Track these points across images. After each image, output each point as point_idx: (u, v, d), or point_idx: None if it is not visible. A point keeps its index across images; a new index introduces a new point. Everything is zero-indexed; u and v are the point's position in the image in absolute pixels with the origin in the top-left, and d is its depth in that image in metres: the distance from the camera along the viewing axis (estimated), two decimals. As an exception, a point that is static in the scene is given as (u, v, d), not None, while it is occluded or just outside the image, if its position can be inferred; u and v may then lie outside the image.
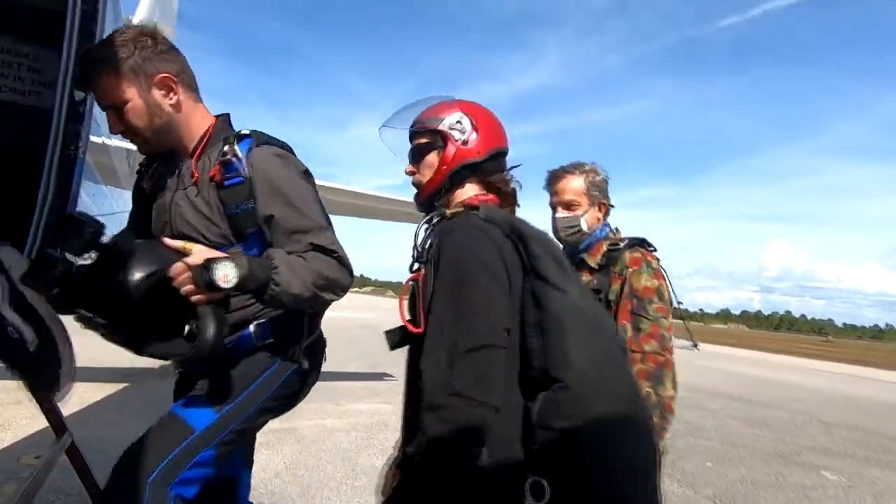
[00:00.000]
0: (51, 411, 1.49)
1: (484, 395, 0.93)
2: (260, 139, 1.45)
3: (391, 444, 1.35)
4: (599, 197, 1.91)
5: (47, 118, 1.57)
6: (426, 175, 1.28)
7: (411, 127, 1.32)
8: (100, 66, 1.34)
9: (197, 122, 1.47)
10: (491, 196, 1.27)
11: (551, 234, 1.43)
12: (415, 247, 1.21)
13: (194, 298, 1.22)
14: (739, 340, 46.71)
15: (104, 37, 1.44)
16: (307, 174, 1.51)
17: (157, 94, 1.39)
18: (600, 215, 1.93)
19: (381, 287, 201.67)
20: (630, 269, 1.77)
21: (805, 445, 6.27)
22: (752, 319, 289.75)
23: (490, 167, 1.27)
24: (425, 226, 1.22)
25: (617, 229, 1.96)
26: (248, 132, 1.46)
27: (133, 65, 1.34)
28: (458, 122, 1.25)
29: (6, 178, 1.78)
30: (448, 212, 1.21)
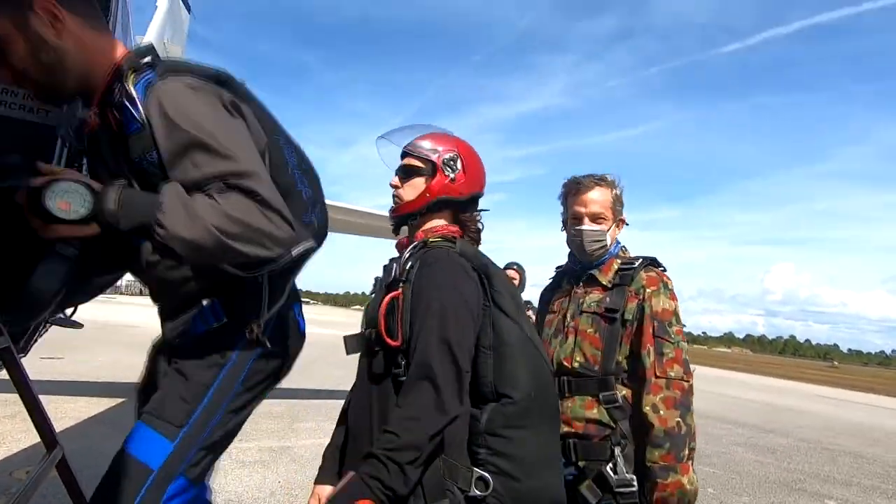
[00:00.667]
0: (43, 425, 1.47)
1: (457, 410, 1.14)
2: (166, 69, 1.17)
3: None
4: (621, 212, 1.84)
5: (53, 136, 1.60)
6: (408, 194, 1.38)
7: (409, 146, 1.41)
8: None
9: (103, 58, 1.18)
10: (455, 228, 1.39)
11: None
12: (397, 267, 1.33)
13: (41, 234, 1.03)
14: (744, 365, 46.17)
15: None
16: (235, 106, 1.22)
17: (37, 22, 1.09)
18: (619, 231, 1.86)
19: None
20: (648, 290, 1.70)
21: (809, 473, 6.16)
22: (756, 343, 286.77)
23: (465, 207, 1.41)
24: (410, 250, 1.33)
25: (625, 248, 1.89)
26: (152, 61, 1.19)
27: None
28: (453, 160, 1.36)
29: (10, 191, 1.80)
30: (430, 240, 1.32)
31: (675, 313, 1.70)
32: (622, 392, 1.67)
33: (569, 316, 1.79)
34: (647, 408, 1.59)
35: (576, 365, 1.70)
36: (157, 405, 1.22)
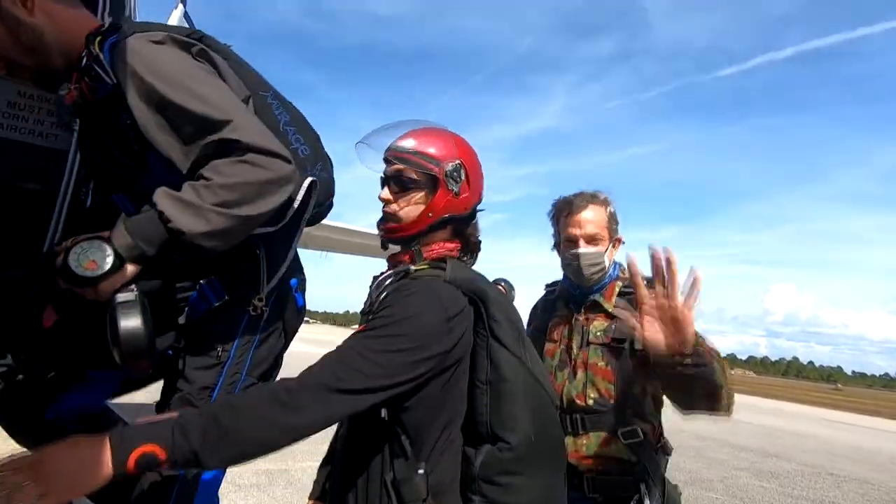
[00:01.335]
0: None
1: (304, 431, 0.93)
2: (132, 29, 1.14)
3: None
4: (616, 231, 1.70)
5: (62, 160, 1.64)
6: (405, 213, 1.16)
7: (401, 151, 1.17)
8: None
9: (80, 31, 1.17)
10: (455, 244, 1.21)
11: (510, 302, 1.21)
12: (369, 296, 1.16)
13: (97, 300, 1.03)
14: (747, 387, 45.65)
15: None
16: (204, 55, 1.18)
17: (6, 3, 1.08)
18: (616, 251, 1.72)
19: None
20: None
21: (814, 499, 6.06)
22: (759, 365, 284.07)
23: (467, 222, 1.22)
24: (391, 279, 1.14)
25: (623, 266, 1.76)
26: (118, 23, 1.16)
27: None
28: (457, 171, 1.16)
29: (17, 213, 1.83)
30: (413, 269, 1.14)
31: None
32: (640, 427, 1.55)
33: (574, 347, 1.67)
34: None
35: (590, 402, 1.59)
36: (167, 409, 1.22)
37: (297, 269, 1.38)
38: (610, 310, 1.63)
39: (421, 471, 1.01)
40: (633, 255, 1.28)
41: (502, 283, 4.51)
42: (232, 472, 4.35)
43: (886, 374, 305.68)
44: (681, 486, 1.69)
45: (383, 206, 1.19)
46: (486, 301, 1.09)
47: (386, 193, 1.18)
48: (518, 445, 1.04)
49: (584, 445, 1.57)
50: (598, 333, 1.63)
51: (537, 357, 1.18)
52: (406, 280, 1.12)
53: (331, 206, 1.46)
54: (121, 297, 1.04)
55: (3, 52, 1.13)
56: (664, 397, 1.59)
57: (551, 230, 1.77)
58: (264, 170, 1.05)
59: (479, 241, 1.26)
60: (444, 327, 1.01)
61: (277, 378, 1.19)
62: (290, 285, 1.35)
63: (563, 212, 1.69)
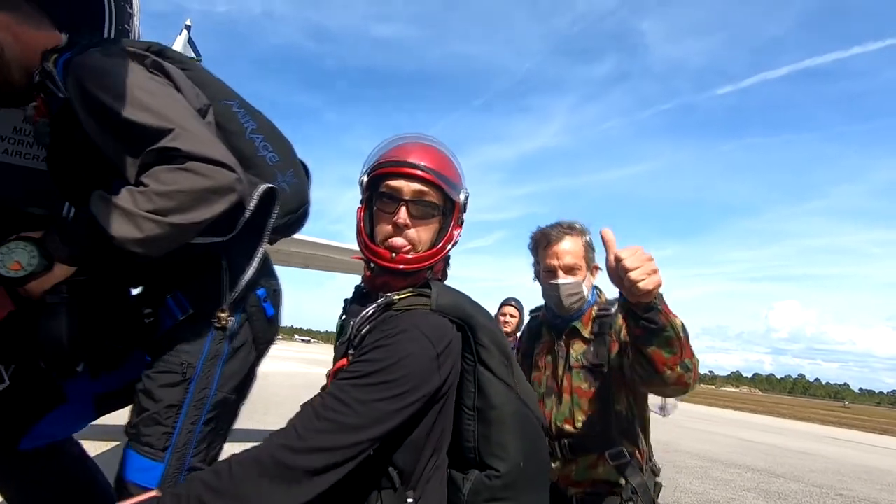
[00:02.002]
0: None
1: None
2: (86, 45, 1.15)
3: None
4: (594, 259, 1.74)
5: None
6: (423, 239, 1.07)
7: (428, 172, 1.05)
8: None
9: (39, 51, 1.17)
10: (438, 267, 1.15)
11: (498, 325, 1.16)
12: (352, 328, 1.06)
13: (28, 298, 1.05)
14: (753, 405, 45.10)
15: None
16: (157, 67, 1.17)
17: None
18: (593, 279, 1.76)
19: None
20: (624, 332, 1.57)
21: (823, 521, 5.92)
22: (765, 382, 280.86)
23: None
24: (372, 310, 1.05)
25: (601, 290, 1.80)
26: (74, 40, 1.17)
27: None
28: (468, 198, 1.12)
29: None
30: (396, 298, 1.05)
31: None
32: (627, 445, 1.58)
33: (559, 372, 1.70)
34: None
35: (579, 426, 1.61)
36: (136, 429, 1.18)
37: (266, 278, 1.33)
38: (586, 335, 1.67)
39: (410, 500, 0.98)
40: (608, 229, 1.32)
41: (513, 303, 4.41)
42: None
43: (894, 392, 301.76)
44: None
45: (396, 231, 1.05)
46: (474, 327, 1.04)
47: (404, 217, 1.05)
48: (507, 473, 1.01)
49: (573, 471, 1.60)
50: (579, 357, 1.66)
51: (524, 378, 1.14)
52: (390, 312, 1.04)
53: (306, 213, 1.43)
54: (49, 298, 1.03)
55: None
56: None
57: (532, 260, 1.81)
58: (204, 178, 1.03)
59: (448, 260, 1.20)
60: (433, 365, 0.97)
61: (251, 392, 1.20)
62: (258, 296, 1.30)
63: (542, 243, 1.72)
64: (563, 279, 1.66)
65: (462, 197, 1.11)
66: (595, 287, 1.77)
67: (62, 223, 1.05)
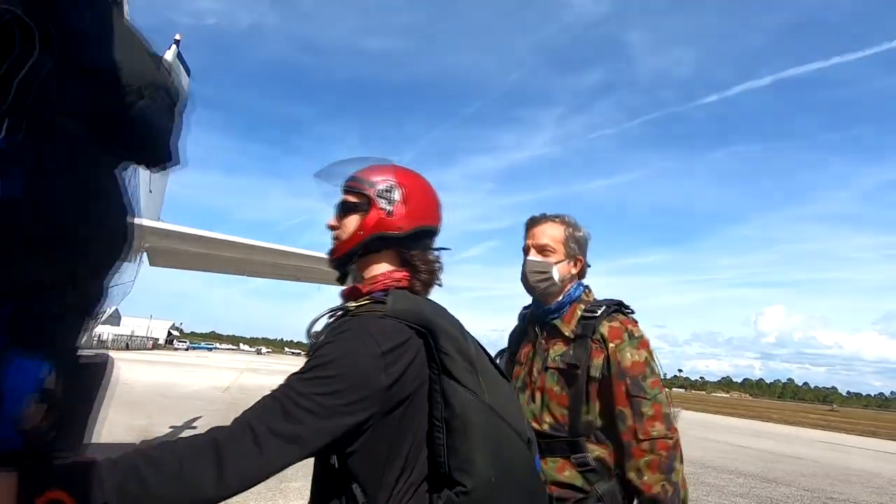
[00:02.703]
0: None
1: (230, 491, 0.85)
2: None
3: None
4: (577, 251, 1.72)
5: None
6: (342, 232, 1.19)
7: (344, 181, 1.22)
8: None
9: None
10: (403, 273, 1.16)
11: (466, 332, 1.15)
12: (309, 338, 1.09)
13: None
14: (743, 410, 45.37)
15: None
16: None
17: None
18: (575, 271, 1.73)
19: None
20: (612, 345, 1.57)
21: (815, 525, 5.96)
22: (755, 387, 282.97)
23: (411, 244, 1.17)
24: (326, 318, 1.11)
25: (588, 289, 1.76)
26: None
27: None
28: (388, 190, 1.16)
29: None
30: (352, 305, 1.08)
31: (648, 364, 1.56)
32: (595, 452, 1.56)
33: (535, 371, 1.69)
34: (632, 473, 1.50)
35: (545, 427, 1.61)
36: None
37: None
38: (567, 334, 1.64)
39: None
40: None
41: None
42: None
43: (881, 394, 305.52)
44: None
45: (332, 235, 1.21)
46: (435, 333, 1.03)
47: (332, 220, 1.22)
48: (474, 490, 0.95)
49: (541, 472, 1.58)
50: (556, 358, 1.64)
51: (499, 387, 1.10)
52: (344, 317, 1.07)
53: None
54: None
55: None
56: None
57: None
58: None
59: (435, 272, 1.19)
60: (378, 364, 0.95)
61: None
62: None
63: (526, 227, 1.77)
64: (531, 256, 1.70)
65: (375, 188, 1.16)
66: (581, 284, 1.75)
67: None
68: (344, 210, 1.20)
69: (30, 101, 0.80)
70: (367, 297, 1.10)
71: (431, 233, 1.22)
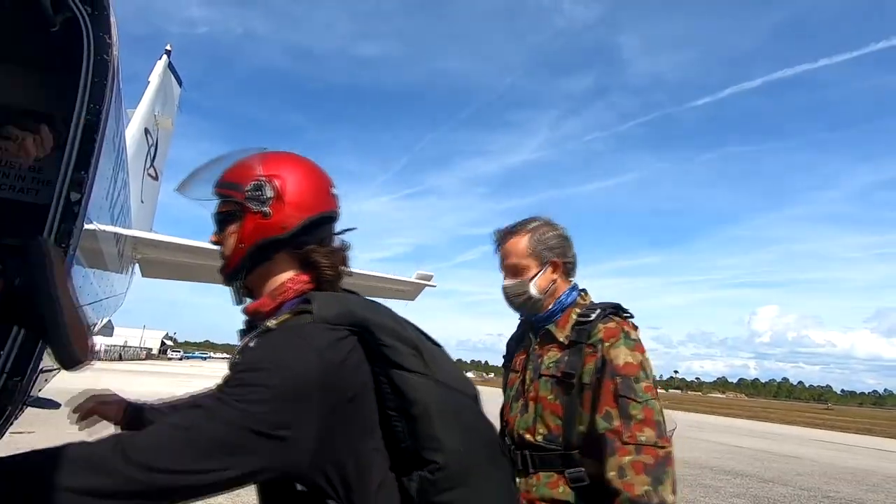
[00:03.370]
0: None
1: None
2: None
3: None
4: (551, 255, 1.61)
5: (44, 214, 1.65)
6: (227, 249, 1.08)
7: (213, 189, 1.09)
8: None
9: None
10: (306, 275, 1.07)
11: (398, 317, 1.09)
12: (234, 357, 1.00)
13: None
14: (739, 410, 45.53)
15: (105, 140, 1.50)
16: None
17: None
18: (556, 276, 1.62)
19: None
20: (606, 344, 1.47)
21: (812, 525, 5.97)
22: (750, 387, 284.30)
23: (304, 241, 1.06)
24: (255, 341, 0.98)
25: (585, 292, 1.67)
26: None
27: None
28: (258, 189, 1.04)
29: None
30: (273, 323, 0.98)
31: (642, 367, 1.45)
32: (589, 468, 1.44)
33: (528, 379, 1.60)
34: (612, 472, 1.34)
35: (539, 439, 1.51)
36: None
37: None
38: (562, 340, 1.56)
39: None
40: None
41: None
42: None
43: (875, 392, 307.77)
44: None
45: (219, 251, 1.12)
46: (371, 329, 0.99)
47: (212, 235, 1.12)
48: (448, 463, 0.97)
49: (534, 486, 1.48)
50: (550, 365, 1.55)
51: (442, 358, 1.07)
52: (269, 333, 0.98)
53: None
54: None
55: None
56: None
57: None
58: None
59: (340, 264, 1.11)
60: (311, 364, 0.89)
61: None
62: None
63: (494, 245, 1.71)
64: (506, 281, 1.64)
65: (244, 192, 1.04)
66: (576, 288, 1.66)
67: None
68: (220, 222, 1.09)
69: None
70: (288, 311, 1.00)
71: (326, 220, 1.10)
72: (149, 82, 5.66)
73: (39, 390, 1.92)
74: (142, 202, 8.60)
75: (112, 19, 1.81)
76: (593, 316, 1.53)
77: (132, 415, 1.38)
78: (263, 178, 1.05)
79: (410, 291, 7.89)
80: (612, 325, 1.51)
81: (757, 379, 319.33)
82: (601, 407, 1.42)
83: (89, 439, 0.81)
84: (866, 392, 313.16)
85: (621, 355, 1.45)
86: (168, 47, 6.22)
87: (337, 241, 1.12)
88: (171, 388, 19.53)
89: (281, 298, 1.04)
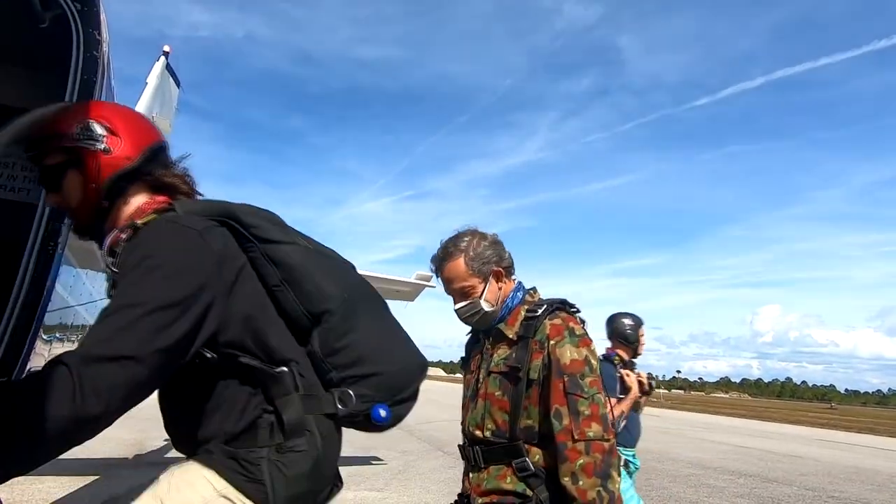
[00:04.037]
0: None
1: (95, 409, 0.78)
2: None
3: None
4: (489, 267, 1.64)
5: (32, 213, 1.63)
6: (74, 199, 1.07)
7: (27, 151, 1.09)
8: None
9: None
10: (162, 198, 1.11)
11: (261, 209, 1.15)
12: (107, 267, 1.05)
13: None
14: (743, 410, 45.38)
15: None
16: None
17: None
18: (501, 283, 1.67)
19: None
20: (552, 342, 1.51)
21: (817, 525, 5.92)
22: (753, 387, 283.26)
23: (150, 168, 1.10)
24: (129, 243, 1.00)
25: (534, 290, 1.73)
26: None
27: None
28: (87, 129, 1.04)
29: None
30: (139, 222, 1.02)
31: (587, 362, 1.50)
32: (535, 456, 1.51)
33: (481, 377, 1.65)
34: (566, 478, 1.42)
35: (487, 434, 1.57)
36: None
37: None
38: (511, 336, 1.60)
39: (284, 369, 1.03)
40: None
41: (630, 317, 3.48)
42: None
43: (879, 391, 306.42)
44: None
45: (62, 212, 1.14)
46: (236, 215, 1.06)
47: (48, 198, 1.11)
48: (337, 308, 1.09)
49: (484, 479, 1.55)
50: (499, 362, 1.60)
51: (300, 233, 1.18)
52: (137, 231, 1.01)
53: None
54: None
55: None
56: None
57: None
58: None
59: (191, 181, 1.16)
60: (197, 241, 0.95)
61: None
62: None
63: (434, 273, 1.74)
64: (458, 304, 1.67)
65: (73, 137, 1.04)
66: (521, 288, 1.71)
67: None
68: (53, 177, 1.07)
69: None
70: (152, 212, 1.06)
71: (161, 148, 1.14)
72: (146, 84, 5.65)
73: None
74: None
75: (102, 16, 1.78)
76: (539, 311, 1.57)
77: None
78: (89, 120, 1.06)
79: (410, 292, 7.85)
80: (557, 321, 1.55)
81: (760, 379, 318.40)
82: (552, 405, 1.48)
83: None
84: (870, 391, 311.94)
85: (567, 353, 1.49)
86: (166, 49, 6.22)
87: (178, 168, 1.16)
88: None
89: (142, 212, 1.07)
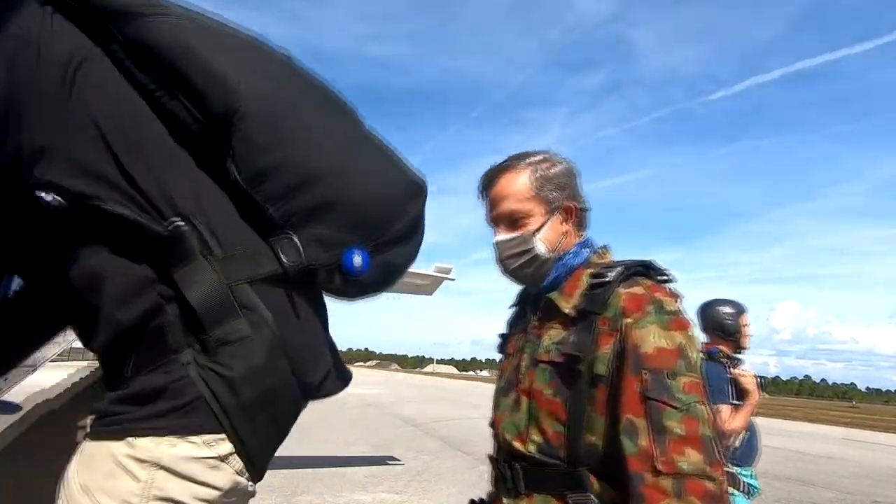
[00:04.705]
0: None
1: None
2: None
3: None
4: (561, 198, 1.17)
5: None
6: None
7: None
8: None
9: None
10: None
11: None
12: None
13: None
14: (764, 409, 44.47)
15: None
16: None
17: None
18: (568, 227, 1.18)
19: (386, 360, 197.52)
20: (628, 320, 1.00)
21: (867, 533, 5.53)
22: (772, 385, 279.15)
23: None
24: None
25: (605, 248, 1.21)
26: None
27: None
28: None
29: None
30: None
31: (683, 353, 0.98)
32: (596, 486, 1.00)
33: (522, 366, 1.14)
34: None
35: (531, 449, 1.06)
36: None
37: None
38: (568, 311, 1.09)
39: (178, 221, 0.73)
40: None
41: (730, 304, 3.08)
42: None
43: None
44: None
45: None
46: None
47: None
48: (250, 108, 0.75)
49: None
50: (550, 347, 1.09)
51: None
52: None
53: None
54: None
55: None
56: None
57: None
58: None
59: None
60: None
61: None
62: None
63: (481, 189, 1.22)
64: (498, 236, 1.17)
65: None
66: (587, 243, 1.20)
67: None
68: None
69: None
70: None
71: None
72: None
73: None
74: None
75: None
76: (611, 276, 1.06)
77: None
78: None
79: (428, 286, 7.53)
80: (637, 290, 1.04)
81: (778, 376, 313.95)
82: (622, 414, 0.96)
83: None
84: (892, 390, 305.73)
85: (650, 337, 0.98)
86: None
87: None
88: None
89: None
